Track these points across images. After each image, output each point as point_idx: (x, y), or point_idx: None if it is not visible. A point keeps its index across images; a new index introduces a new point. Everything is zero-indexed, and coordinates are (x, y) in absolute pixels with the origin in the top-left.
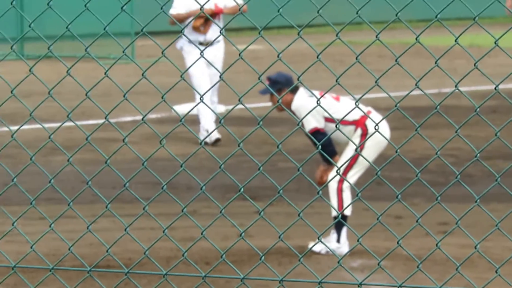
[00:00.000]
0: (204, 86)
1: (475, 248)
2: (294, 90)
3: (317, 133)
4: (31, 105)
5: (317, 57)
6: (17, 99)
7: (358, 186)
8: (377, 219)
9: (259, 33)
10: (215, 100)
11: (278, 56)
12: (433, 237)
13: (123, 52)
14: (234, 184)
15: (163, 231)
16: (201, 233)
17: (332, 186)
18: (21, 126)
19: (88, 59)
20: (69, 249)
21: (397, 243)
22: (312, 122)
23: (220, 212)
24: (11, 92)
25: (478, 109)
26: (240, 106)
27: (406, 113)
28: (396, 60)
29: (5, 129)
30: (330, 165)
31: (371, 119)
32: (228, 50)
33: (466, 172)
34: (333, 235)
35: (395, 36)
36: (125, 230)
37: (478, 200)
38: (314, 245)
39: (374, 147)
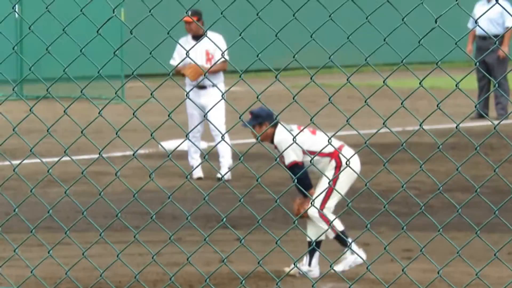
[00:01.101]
0: (191, 126)
1: (438, 273)
2: (275, 125)
3: (295, 167)
4: (31, 141)
5: (293, 98)
6: (18, 136)
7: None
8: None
9: (240, 76)
10: (218, 138)
11: (257, 97)
12: (399, 262)
13: (115, 93)
14: (215, 214)
15: (152, 257)
16: (187, 259)
17: (314, 216)
18: (22, 161)
19: (81, 100)
20: (66, 273)
21: (367, 268)
22: (292, 156)
23: (204, 240)
24: (13, 129)
25: (441, 146)
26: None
27: (373, 149)
28: (365, 101)
29: (7, 163)
30: (306, 197)
31: (343, 155)
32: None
33: (427, 203)
34: (305, 259)
35: (363, 79)
36: (117, 256)
37: (441, 229)
38: (290, 270)
39: (347, 178)
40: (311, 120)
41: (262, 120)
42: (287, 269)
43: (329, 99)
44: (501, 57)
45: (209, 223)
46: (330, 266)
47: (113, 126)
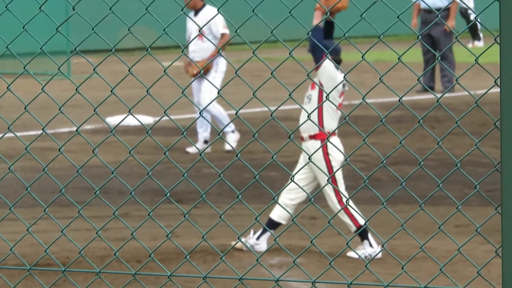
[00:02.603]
0: (193, 99)
1: (382, 246)
2: (339, 63)
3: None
4: None
5: (235, 73)
6: None
7: (276, 191)
8: (292, 220)
9: (182, 52)
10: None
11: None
12: (344, 236)
13: (58, 69)
14: (161, 188)
15: (96, 232)
16: (131, 234)
17: (339, 212)
18: None
19: (28, 76)
20: (10, 249)
21: (311, 242)
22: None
23: (148, 214)
24: None
25: (384, 119)
26: (167, 117)
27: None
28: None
29: None
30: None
31: (331, 143)
32: (154, 66)
33: (374, 176)
34: (253, 232)
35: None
36: (62, 231)
37: (385, 203)
38: (235, 244)
39: (337, 165)
40: (254, 94)
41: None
42: (233, 243)
43: (271, 73)
44: (447, 30)
45: (156, 198)
46: (275, 240)
47: (56, 102)
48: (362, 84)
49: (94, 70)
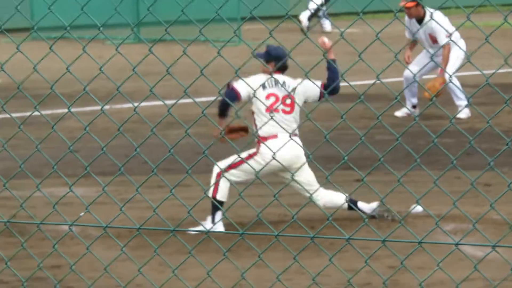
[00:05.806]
0: (411, 67)
1: None
2: (281, 69)
3: (227, 89)
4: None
5: (377, 36)
6: (135, 78)
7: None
8: (471, 184)
9: (359, 16)
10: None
11: (376, 36)
12: None
13: (234, 33)
14: (334, 155)
15: (274, 196)
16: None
17: (215, 169)
18: (142, 101)
19: (197, 43)
20: (188, 213)
21: (490, 205)
22: (238, 83)
23: (326, 177)
24: (133, 69)
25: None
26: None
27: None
28: (486, 39)
29: (124, 105)
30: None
31: (267, 147)
32: (367, 30)
33: None
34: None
35: (482, 19)
36: (240, 194)
37: None
38: (412, 209)
39: (262, 166)
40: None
41: (268, 58)
42: (412, 207)
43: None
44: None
45: (328, 164)
46: (454, 204)
47: (233, 66)
48: None
49: (270, 33)
